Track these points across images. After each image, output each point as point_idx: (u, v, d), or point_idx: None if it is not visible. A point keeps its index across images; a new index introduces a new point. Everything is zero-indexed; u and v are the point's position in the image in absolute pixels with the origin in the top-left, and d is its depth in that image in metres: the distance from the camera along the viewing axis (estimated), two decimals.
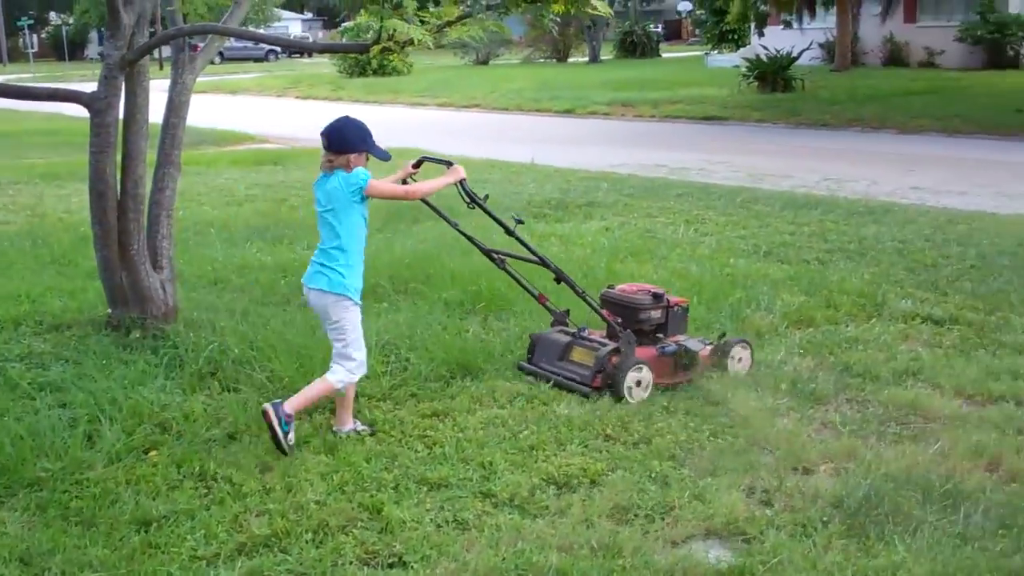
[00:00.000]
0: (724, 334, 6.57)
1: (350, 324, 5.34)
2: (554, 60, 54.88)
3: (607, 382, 5.92)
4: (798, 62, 29.33)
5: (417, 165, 5.96)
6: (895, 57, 37.97)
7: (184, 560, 4.21)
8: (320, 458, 5.14)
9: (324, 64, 51.35)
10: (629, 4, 67.08)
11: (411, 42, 5.63)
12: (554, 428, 5.47)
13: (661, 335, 6.30)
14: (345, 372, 5.35)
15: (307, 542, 4.33)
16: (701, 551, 4.29)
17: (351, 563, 4.19)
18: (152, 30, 7.37)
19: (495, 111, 29.11)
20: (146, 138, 6.94)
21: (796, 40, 32.38)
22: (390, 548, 4.28)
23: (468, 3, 6.10)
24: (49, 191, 14.13)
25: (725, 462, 5.05)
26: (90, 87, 6.74)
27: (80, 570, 4.14)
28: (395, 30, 5.67)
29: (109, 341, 6.66)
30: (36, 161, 17.75)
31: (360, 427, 5.50)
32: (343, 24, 37.76)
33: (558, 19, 6.55)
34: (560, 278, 6.25)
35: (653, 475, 4.92)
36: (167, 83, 7.16)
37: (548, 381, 6.12)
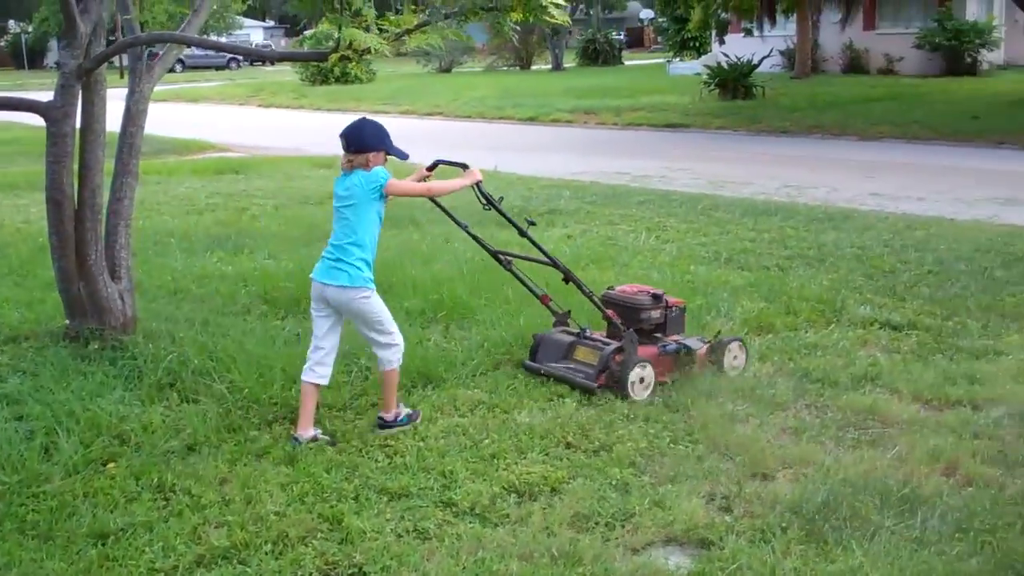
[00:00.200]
0: (719, 333, 6.77)
1: (376, 309, 5.50)
2: (517, 68, 54.95)
3: (611, 380, 6.06)
4: (759, 69, 29.53)
5: (431, 168, 6.13)
6: (855, 64, 38.37)
7: (142, 573, 4.18)
8: (280, 469, 5.12)
9: (286, 72, 51.13)
10: (591, 12, 67.33)
11: (369, 51, 5.62)
12: (515, 436, 5.48)
13: (659, 334, 6.48)
14: (390, 355, 5.55)
15: (266, 554, 4.31)
16: (661, 558, 4.30)
17: (311, 574, 4.17)
18: (113, 38, 7.33)
19: (458, 119, 29.11)
20: (103, 147, 6.88)
21: (757, 47, 32.61)
22: (350, 559, 4.26)
23: (427, 12, 6.09)
24: (6, 201, 13.98)
25: (685, 469, 5.07)
26: (49, 96, 6.68)
27: None
28: (353, 39, 5.65)
29: (67, 353, 6.59)
30: None
31: (320, 435, 5.50)
32: (305, 32, 37.72)
33: (518, 27, 6.56)
34: (568, 278, 6.42)
35: (613, 482, 4.93)
36: (125, 92, 7.11)
37: (551, 379, 6.26)
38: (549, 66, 53.59)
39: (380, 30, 5.98)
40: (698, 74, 33.66)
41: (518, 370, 6.52)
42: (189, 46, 7.65)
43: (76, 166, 6.74)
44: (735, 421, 5.71)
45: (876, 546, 4.27)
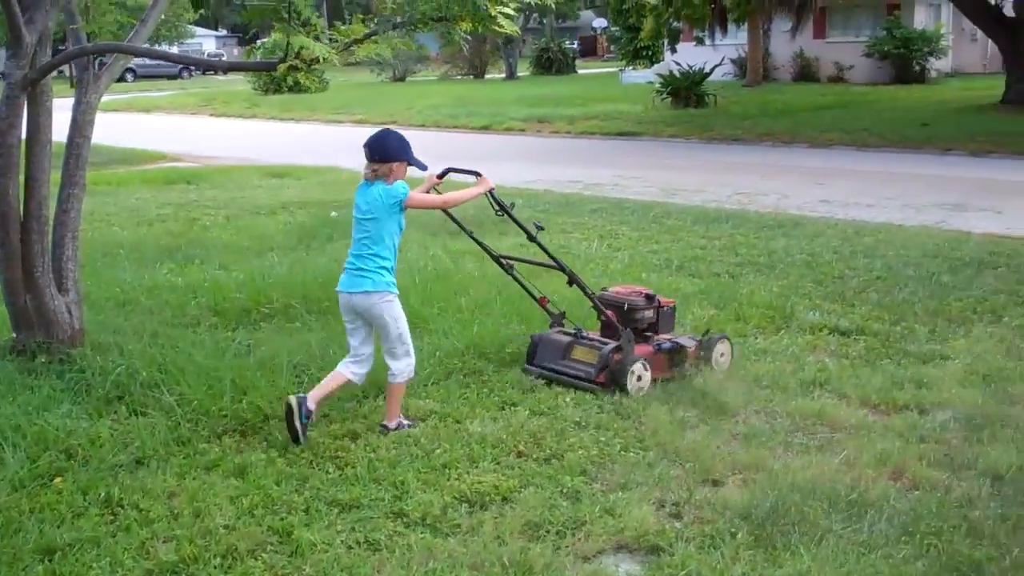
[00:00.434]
0: (708, 331, 6.96)
1: (398, 315, 5.65)
2: (471, 77, 55.03)
3: (611, 378, 6.24)
4: (711, 78, 29.74)
5: (442, 175, 6.31)
6: (805, 72, 38.79)
7: None
8: (230, 482, 5.09)
9: (239, 81, 50.85)
10: (545, 21, 67.51)
11: (318, 60, 5.61)
12: (467, 446, 5.47)
13: (651, 333, 6.66)
14: (402, 367, 5.69)
15: (215, 567, 4.28)
16: (611, 565, 4.32)
17: None
18: (62, 48, 7.26)
19: (412, 128, 29.00)
20: (50, 158, 6.82)
21: (708, 56, 32.89)
22: (300, 571, 4.25)
23: (376, 22, 6.09)
24: None
25: (636, 476, 5.10)
26: None
27: None
28: (302, 48, 5.64)
29: (13, 366, 6.50)
30: None
31: (313, 416, 5.66)
32: (258, 41, 37.49)
33: (469, 37, 6.58)
34: (572, 280, 6.58)
35: (564, 491, 4.95)
36: (71, 102, 7.05)
37: (551, 380, 6.43)
38: (503, 75, 53.72)
39: (329, 40, 5.98)
40: (650, 83, 33.83)
41: (470, 379, 6.53)
42: (137, 56, 7.59)
43: (22, 178, 6.67)
44: (685, 427, 5.74)
45: (824, 550, 4.31)
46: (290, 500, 4.87)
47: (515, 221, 6.37)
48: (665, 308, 6.73)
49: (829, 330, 7.58)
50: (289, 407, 5.51)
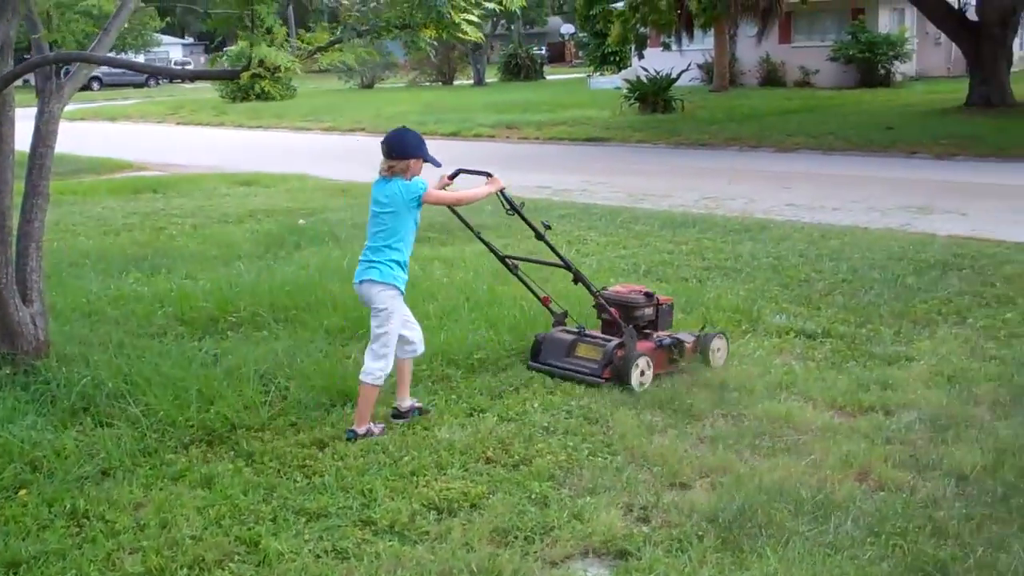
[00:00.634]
0: (704, 327, 7.18)
1: (392, 311, 5.73)
2: (439, 83, 55.02)
3: (616, 373, 6.45)
4: (678, 83, 29.85)
5: (452, 176, 6.44)
6: (772, 77, 39.03)
7: None
8: (196, 492, 5.07)
9: (207, 89, 50.65)
10: (513, 27, 67.59)
11: (280, 68, 5.59)
12: (435, 453, 5.47)
13: (650, 330, 6.83)
14: (376, 365, 5.72)
15: None
16: (580, 570, 4.33)
17: None
18: (27, 56, 7.20)
19: (381, 135, 28.67)
20: (12, 168, 6.77)
21: (675, 61, 32.98)
22: None
23: (340, 30, 6.08)
24: None
25: (604, 480, 5.11)
26: None
27: None
28: (265, 56, 5.62)
29: None
30: None
31: (417, 405, 6.01)
32: (225, 49, 37.29)
33: (436, 43, 6.58)
34: (577, 279, 6.78)
35: (533, 496, 4.95)
36: (34, 111, 7.00)
37: (555, 376, 6.62)
38: (471, 81, 53.75)
39: (292, 48, 5.96)
40: (618, 88, 33.98)
41: (439, 385, 6.53)
42: (100, 65, 7.55)
43: None
44: (653, 432, 5.76)
45: (790, 552, 4.33)
46: (257, 510, 4.85)
47: (524, 220, 6.54)
48: (664, 306, 6.95)
49: (795, 333, 7.63)
50: (397, 414, 5.95)
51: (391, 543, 4.53)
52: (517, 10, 6.39)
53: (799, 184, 16.30)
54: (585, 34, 52.18)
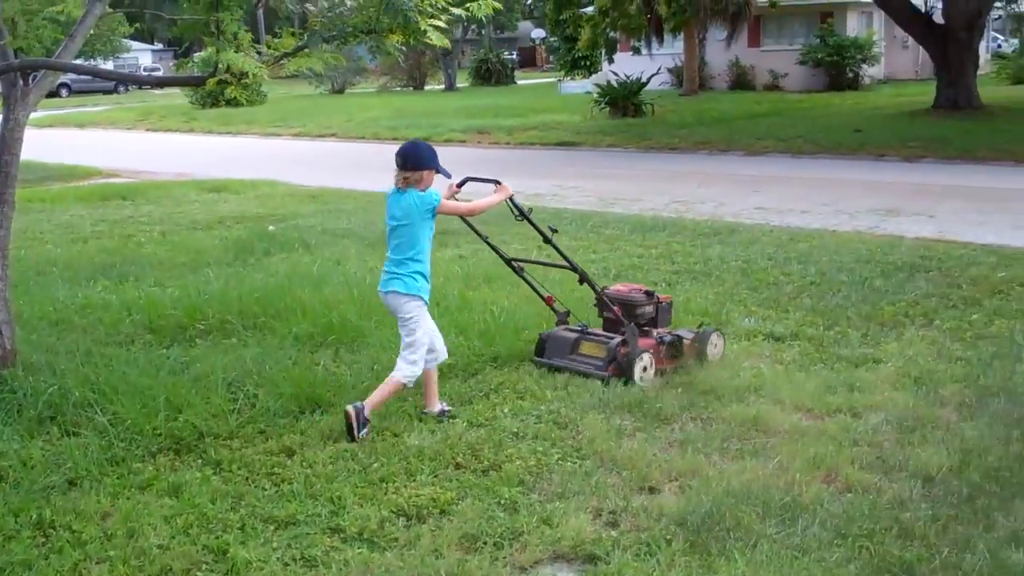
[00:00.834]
0: (702, 324, 7.38)
1: (417, 321, 5.93)
2: (410, 88, 54.98)
3: (619, 369, 6.62)
4: (648, 87, 29.96)
5: (461, 184, 6.62)
6: (741, 81, 39.23)
7: None
8: (164, 501, 5.04)
9: (176, 95, 50.37)
10: (483, 32, 67.63)
11: (246, 74, 5.58)
12: (404, 459, 5.46)
13: (650, 328, 7.02)
14: (409, 368, 5.93)
15: None
16: (548, 575, 4.33)
17: None
18: None
19: (352, 140, 28.97)
20: None
21: (645, 66, 33.12)
22: None
23: (306, 35, 6.07)
24: None
25: (573, 485, 5.11)
26: None
27: None
28: (231, 62, 5.61)
29: None
30: None
31: (446, 408, 6.15)
32: (195, 55, 37.16)
33: (404, 48, 6.58)
34: (583, 279, 6.94)
35: (502, 502, 4.95)
36: None
37: (561, 371, 6.80)
38: (442, 86, 53.74)
39: (259, 53, 5.95)
40: (589, 93, 34.06)
41: (408, 391, 6.50)
42: (66, 72, 7.50)
43: None
44: (622, 436, 5.77)
45: (758, 555, 4.35)
46: (225, 518, 4.83)
47: (533, 225, 6.74)
48: (663, 304, 7.14)
49: (764, 336, 7.67)
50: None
51: (360, 550, 4.52)
52: (483, 17, 6.39)
53: (768, 187, 16.38)
54: (556, 39, 52.25)
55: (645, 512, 4.80)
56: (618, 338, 6.80)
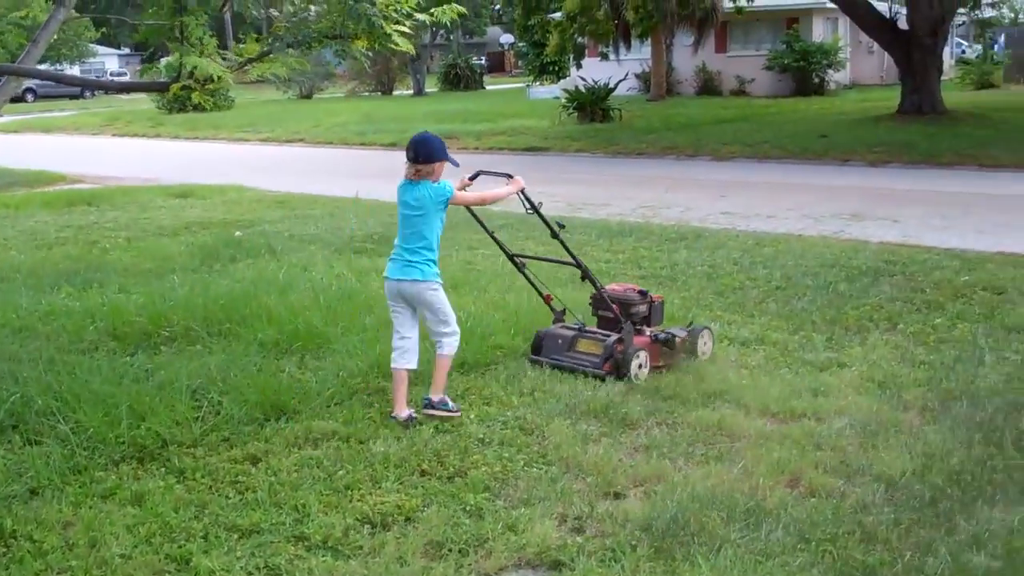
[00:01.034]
0: (692, 322, 7.57)
1: (442, 301, 6.23)
2: (379, 93, 54.90)
3: (615, 367, 6.78)
4: (616, 92, 30.04)
5: (472, 178, 6.96)
6: (708, 86, 39.41)
7: None
8: (127, 510, 5.00)
9: (143, 100, 50.08)
10: (452, 37, 67.65)
11: (211, 79, 5.56)
12: (370, 466, 5.45)
13: (643, 326, 7.17)
14: (450, 340, 6.23)
15: None
16: None
17: None
18: None
19: (320, 145, 28.89)
20: None
21: (613, 71, 33.20)
22: None
23: (270, 41, 6.06)
24: None
25: (538, 491, 5.11)
26: None
27: None
28: (195, 68, 5.59)
29: None
30: None
31: (414, 414, 6.17)
32: (160, 60, 36.81)
33: (370, 53, 6.59)
34: (585, 276, 7.21)
35: (467, 508, 4.95)
36: None
37: (556, 369, 6.93)
38: (411, 91, 53.70)
39: (224, 59, 5.93)
40: (557, 98, 34.09)
41: (374, 398, 6.50)
42: (28, 77, 7.45)
43: None
44: (588, 441, 5.77)
45: (722, 560, 4.36)
46: (189, 527, 4.80)
47: (542, 219, 6.95)
48: (656, 303, 7.31)
49: (729, 340, 7.70)
50: (429, 404, 6.19)
51: (324, 559, 4.51)
52: (447, 22, 6.40)
53: (735, 192, 16.45)
54: (524, 44, 52.22)
55: (610, 518, 4.81)
56: (615, 336, 6.93)
